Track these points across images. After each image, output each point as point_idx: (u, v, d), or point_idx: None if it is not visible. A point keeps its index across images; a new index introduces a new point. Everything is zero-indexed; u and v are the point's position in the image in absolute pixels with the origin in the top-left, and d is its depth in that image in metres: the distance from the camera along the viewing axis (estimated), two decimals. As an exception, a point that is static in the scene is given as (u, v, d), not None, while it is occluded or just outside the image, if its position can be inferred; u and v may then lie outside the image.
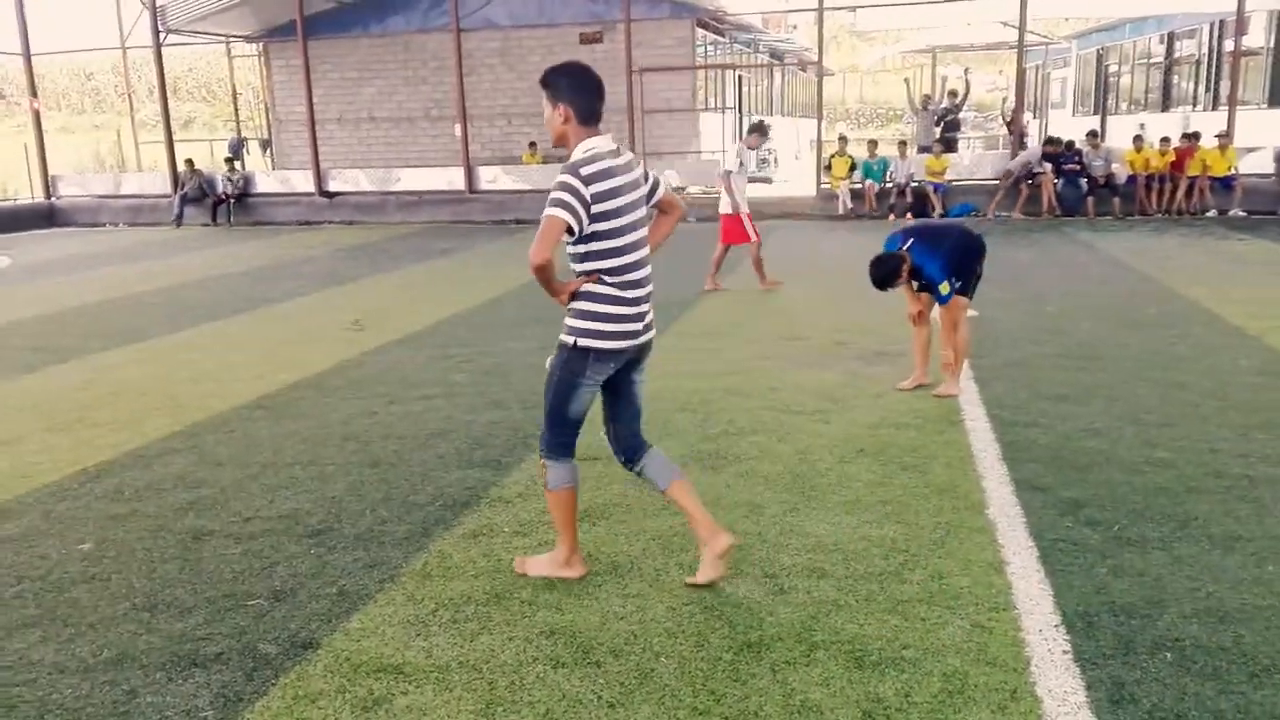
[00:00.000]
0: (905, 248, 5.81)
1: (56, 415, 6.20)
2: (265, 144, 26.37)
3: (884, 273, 5.78)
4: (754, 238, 10.16)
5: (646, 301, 3.53)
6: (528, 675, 3.01)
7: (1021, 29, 17.84)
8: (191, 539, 4.15)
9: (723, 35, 24.37)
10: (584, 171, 3.28)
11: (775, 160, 28.81)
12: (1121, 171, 16.37)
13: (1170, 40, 24.96)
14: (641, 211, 3.49)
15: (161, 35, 21.11)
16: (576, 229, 3.29)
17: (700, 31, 21.96)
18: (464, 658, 3.12)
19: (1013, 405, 5.68)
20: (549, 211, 3.27)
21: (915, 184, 17.17)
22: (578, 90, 3.41)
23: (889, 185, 17.43)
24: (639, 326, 3.50)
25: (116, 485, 4.83)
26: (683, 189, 20.30)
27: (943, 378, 6.00)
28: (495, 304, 9.84)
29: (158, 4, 20.76)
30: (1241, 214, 15.79)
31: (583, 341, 3.44)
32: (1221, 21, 20.69)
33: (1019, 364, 6.70)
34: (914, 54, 32.63)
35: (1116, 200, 16.25)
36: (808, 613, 3.32)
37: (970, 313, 7.53)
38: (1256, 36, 20.73)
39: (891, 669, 2.96)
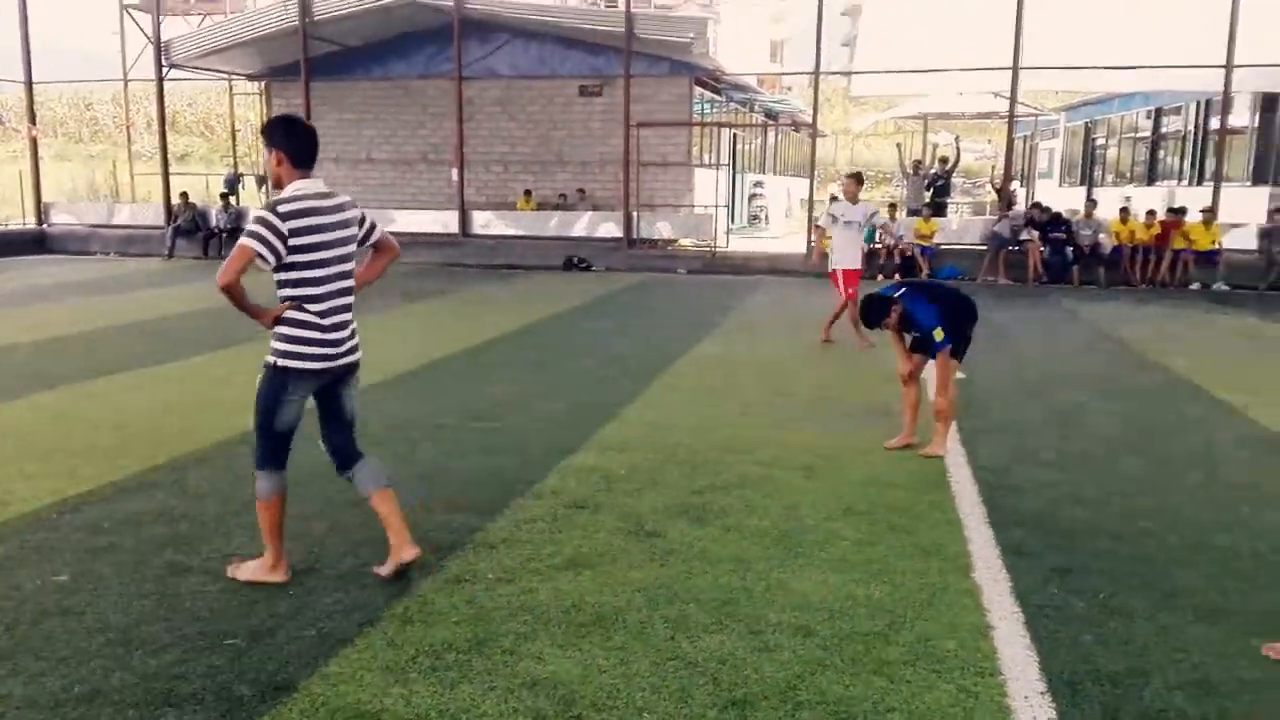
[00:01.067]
0: (898, 295, 5.87)
1: (38, 443, 6.13)
2: (261, 180, 26.48)
3: (872, 309, 5.90)
4: (843, 294, 10.02)
5: (344, 329, 3.92)
6: (508, 726, 2.96)
7: (1012, 100, 18.21)
8: (170, 574, 4.09)
9: (719, 94, 24.76)
10: (282, 209, 3.70)
11: (766, 217, 29.14)
12: (1107, 242, 16.61)
13: (1157, 116, 25.48)
14: (346, 249, 3.89)
15: (165, 70, 21.30)
16: (270, 259, 3.67)
17: (697, 89, 22.31)
18: (443, 707, 3.07)
19: (999, 469, 5.69)
20: (242, 240, 3.67)
21: (903, 245, 17.35)
22: (289, 137, 3.86)
23: (879, 245, 17.62)
24: (336, 350, 3.89)
25: (96, 517, 4.77)
26: (673, 241, 20.47)
27: (929, 439, 6.02)
28: (485, 348, 9.84)
29: (162, 40, 20.98)
30: (1225, 288, 16.01)
31: (282, 362, 3.83)
32: (1208, 101, 21.16)
33: (1004, 428, 6.73)
34: (906, 119, 33.19)
35: (1102, 270, 16.47)
36: (793, 671, 3.29)
37: (958, 375, 7.57)
38: (1241, 116, 21.20)
39: (876, 732, 2.93)
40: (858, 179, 10.35)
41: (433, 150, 23.15)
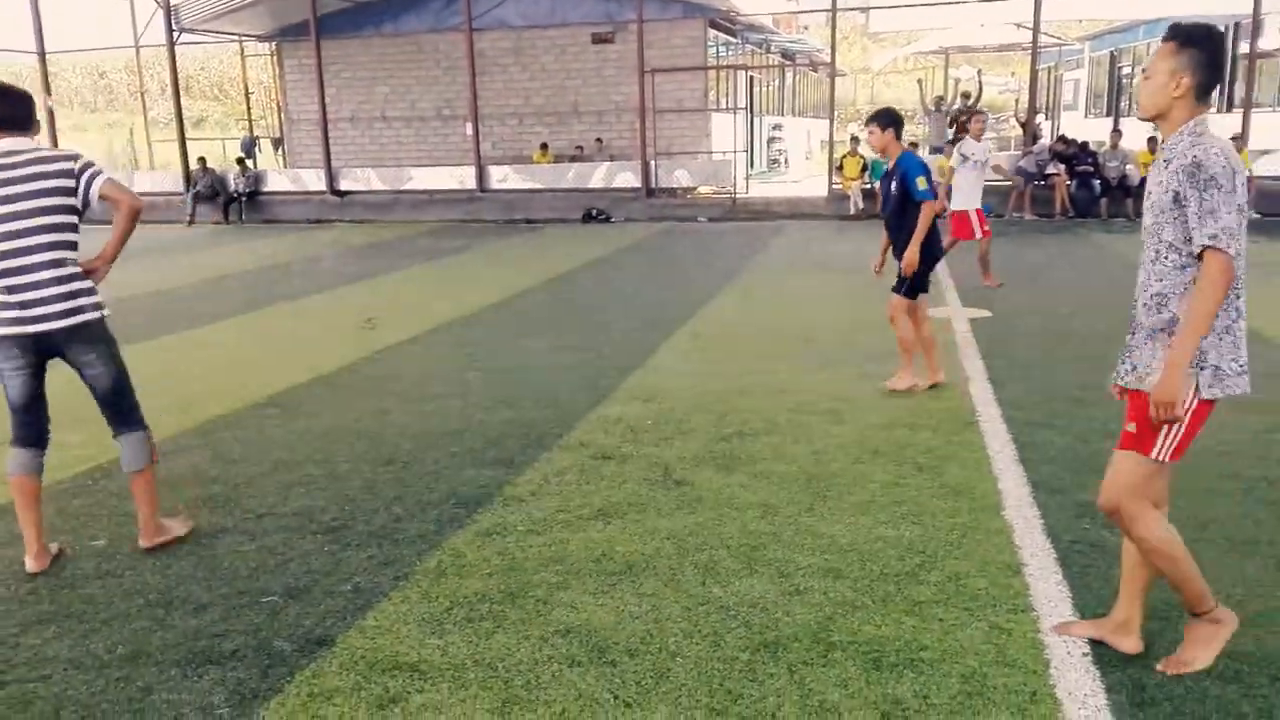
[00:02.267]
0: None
1: (70, 410, 6.19)
2: (277, 142, 26.48)
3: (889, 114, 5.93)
4: (979, 234, 9.82)
5: (31, 290, 3.67)
6: (543, 674, 3.00)
7: (1035, 31, 17.78)
8: (206, 535, 4.16)
9: (734, 36, 24.34)
10: None
11: (786, 161, 28.77)
12: (1135, 173, 16.29)
13: (1184, 41, 24.81)
14: (24, 205, 3.64)
15: (175, 34, 21.19)
16: None
17: (712, 32, 21.93)
18: (479, 656, 3.11)
19: (1028, 406, 5.64)
20: None
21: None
22: None
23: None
24: (22, 315, 3.66)
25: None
26: (692, 189, 20.29)
27: (923, 372, 6.13)
28: (507, 304, 9.84)
29: (171, 3, 20.84)
30: (1255, 215, 15.68)
31: None
32: (1237, 24, 20.56)
33: (1034, 365, 6.66)
34: (926, 55, 32.54)
35: (1130, 202, 16.17)
36: (824, 613, 3.30)
37: (984, 313, 7.54)
38: (1271, 38, 20.60)
39: (909, 670, 2.94)
40: (983, 115, 10.31)
41: (447, 105, 22.98)
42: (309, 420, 5.83)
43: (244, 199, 20.65)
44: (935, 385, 6.07)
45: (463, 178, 20.33)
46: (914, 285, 5.95)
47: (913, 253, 5.82)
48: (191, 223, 20.23)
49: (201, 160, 20.97)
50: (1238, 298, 2.70)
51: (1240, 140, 15.97)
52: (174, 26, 21.11)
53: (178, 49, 21.56)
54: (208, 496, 4.61)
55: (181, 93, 22.18)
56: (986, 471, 4.60)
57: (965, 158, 9.88)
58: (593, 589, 3.54)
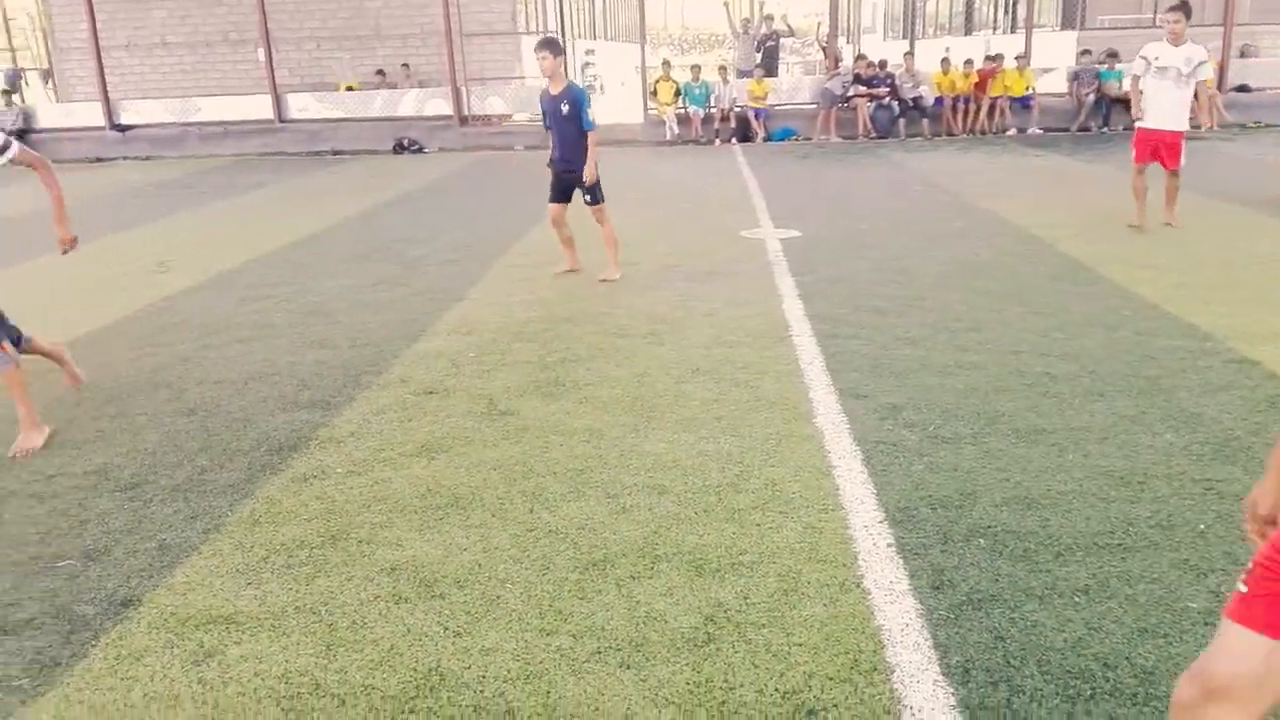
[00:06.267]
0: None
1: None
2: (46, 75, 24.00)
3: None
4: (1168, 164, 8.17)
5: None
6: (369, 613, 2.94)
7: (834, -47, 18.19)
8: (-14, 503, 3.81)
9: (541, -44, 23.72)
10: None
11: (602, 87, 28.54)
12: (929, 94, 17.11)
13: (971, -34, 26.04)
14: None
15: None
16: None
17: (517, -49, 21.31)
18: (300, 602, 3.02)
19: (835, 319, 5.91)
20: None
21: (738, 109, 17.41)
22: None
23: (713, 110, 17.60)
24: None
25: (-108, 451, 4.37)
26: (507, 117, 19.85)
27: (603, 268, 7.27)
28: (313, 240, 9.38)
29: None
30: (1039, 131, 16.84)
31: None
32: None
33: (840, 280, 6.96)
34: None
35: (925, 122, 17.00)
36: (650, 529, 3.38)
37: (794, 233, 7.85)
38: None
39: (730, 574, 3.06)
40: (1185, 10, 7.83)
41: (234, 29, 21.41)
42: (100, 372, 5.42)
43: (13, 137, 18.67)
44: (572, 271, 7.40)
45: (258, 108, 19.10)
46: (597, 193, 7.16)
47: (590, 169, 7.00)
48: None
49: (-46, 94, 18.80)
50: None
51: (1023, 59, 17.01)
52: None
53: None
54: (-14, 461, 4.23)
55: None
56: (799, 382, 4.80)
57: (1148, 63, 8.04)
58: (418, 525, 3.49)
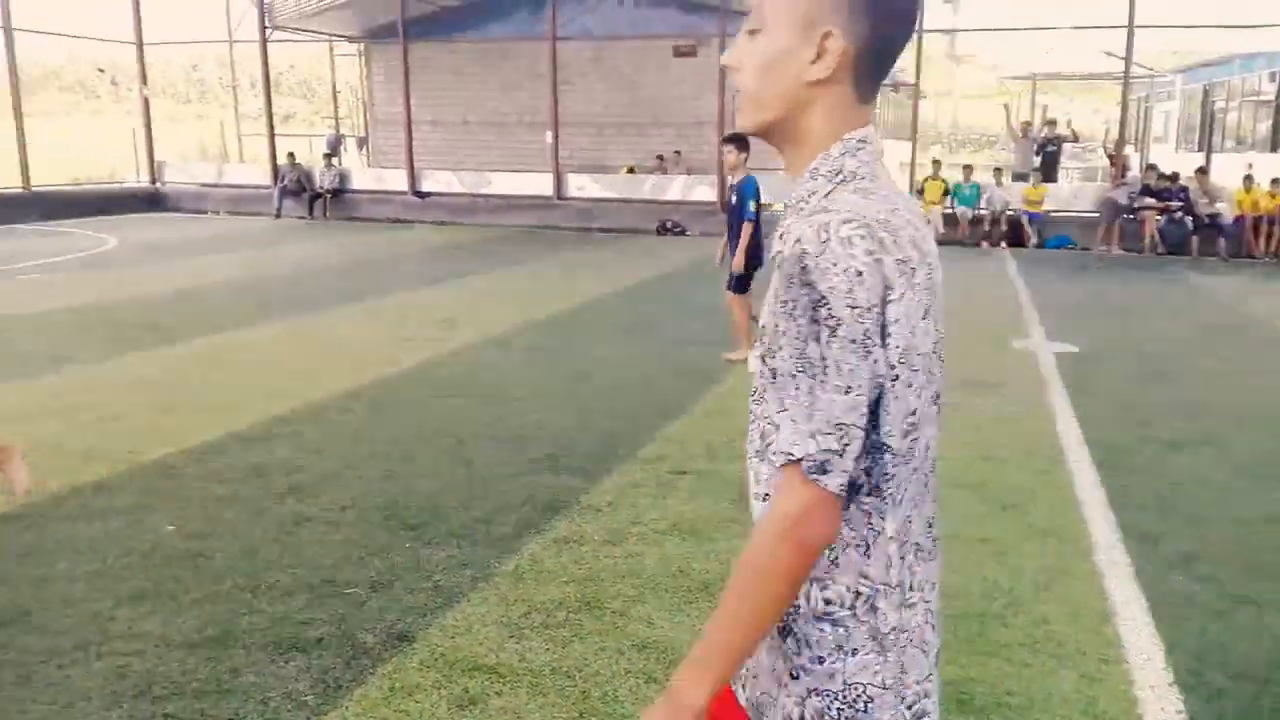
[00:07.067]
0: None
1: (162, 394, 6.40)
2: (361, 142, 27.04)
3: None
4: None
5: None
6: (620, 688, 2.99)
7: (1128, 61, 17.38)
8: (291, 524, 4.24)
9: (818, 54, 24.21)
10: None
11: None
12: (1228, 211, 15.80)
13: (1283, 78, 24.04)
14: None
15: (267, 31, 21.79)
16: None
17: (796, 49, 21.84)
18: (557, 663, 3.12)
19: (1117, 447, 5.49)
20: None
21: (1010, 212, 16.82)
22: None
23: (983, 212, 17.10)
24: None
25: (218, 466, 4.96)
26: (770, 205, 20.16)
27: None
28: (582, 310, 9.89)
29: (265, 1, 21.44)
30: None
31: None
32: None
33: (1124, 405, 6.48)
34: (1013, 80, 32.02)
35: (1222, 241, 15.67)
36: (907, 647, 3.23)
37: (1070, 348, 7.43)
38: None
39: (996, 715, 2.87)
40: None
41: (529, 113, 23.24)
42: (390, 417, 5.93)
43: (329, 196, 21.11)
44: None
45: (541, 185, 20.54)
46: (738, 281, 7.48)
47: (738, 259, 7.39)
48: (278, 216, 20.73)
49: (290, 155, 21.50)
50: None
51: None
52: (267, 24, 21.71)
53: (270, 46, 22.15)
54: (293, 485, 4.70)
55: (271, 89, 22.78)
56: (1075, 513, 4.48)
57: None
58: (669, 605, 3.53)
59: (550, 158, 20.37)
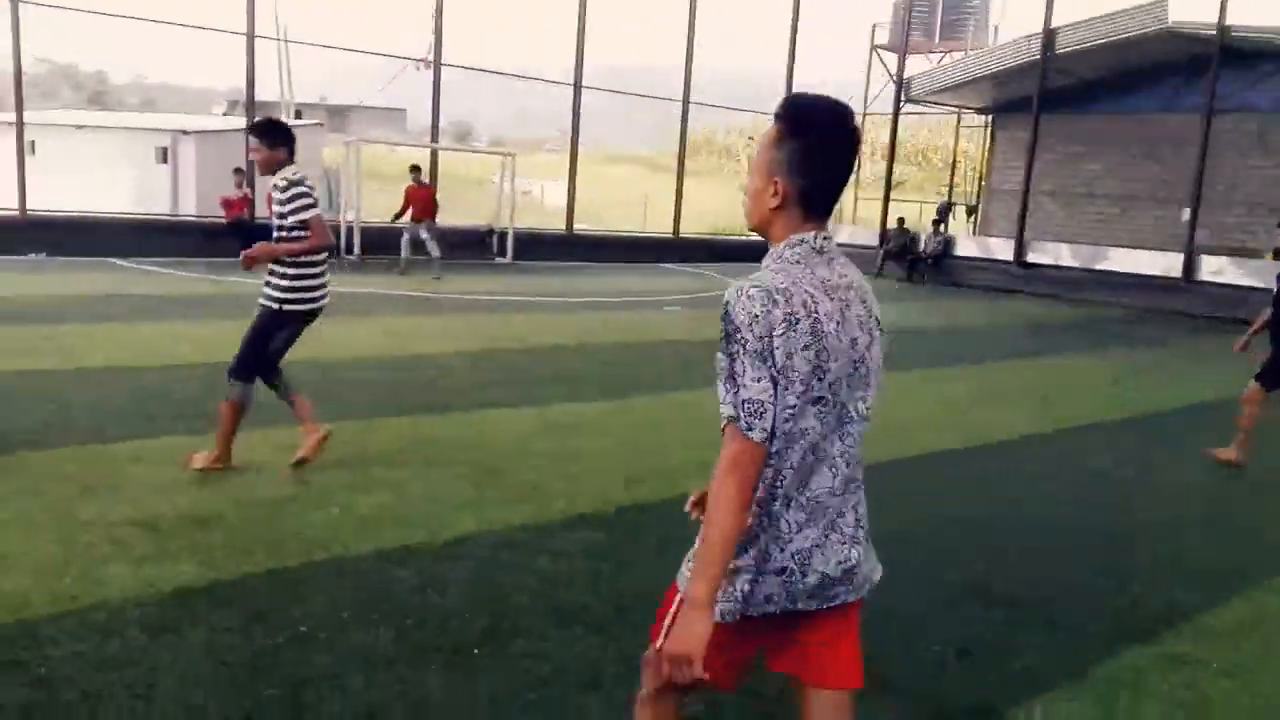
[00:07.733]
0: None
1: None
2: (970, 210, 27.09)
3: None
4: None
5: None
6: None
7: None
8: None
9: None
10: None
11: None
12: None
13: None
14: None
15: (901, 104, 22.91)
16: None
17: None
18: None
19: None
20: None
21: None
22: None
23: None
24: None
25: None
26: None
27: None
28: (1196, 411, 8.76)
29: (905, 77, 22.58)
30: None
31: None
32: None
33: None
34: None
35: None
36: None
37: None
38: None
39: None
40: None
41: (1162, 188, 21.31)
42: (967, 481, 5.87)
43: (931, 261, 21.51)
44: None
45: (1168, 265, 18.66)
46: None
47: None
48: (879, 274, 21.67)
49: (900, 220, 22.35)
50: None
51: None
52: (902, 98, 22.84)
53: (899, 118, 23.25)
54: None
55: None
56: None
57: None
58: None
59: (1183, 236, 18.43)
